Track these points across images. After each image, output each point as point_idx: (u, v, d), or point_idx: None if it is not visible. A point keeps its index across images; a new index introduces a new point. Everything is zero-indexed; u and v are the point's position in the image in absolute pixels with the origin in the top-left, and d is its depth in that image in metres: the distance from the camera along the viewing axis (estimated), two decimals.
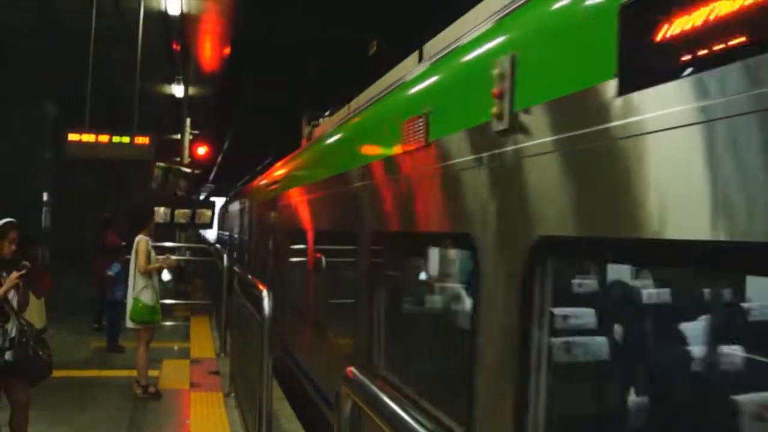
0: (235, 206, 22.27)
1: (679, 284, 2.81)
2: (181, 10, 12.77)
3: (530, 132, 2.83)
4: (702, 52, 1.96)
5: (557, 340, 2.87)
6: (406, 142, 4.27)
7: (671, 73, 2.05)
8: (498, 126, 3.04)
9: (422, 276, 5.01)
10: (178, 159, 17.48)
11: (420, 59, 5.06)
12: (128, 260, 8.33)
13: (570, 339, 2.91)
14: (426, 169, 4.01)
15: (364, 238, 5.33)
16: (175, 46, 14.80)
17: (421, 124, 4.01)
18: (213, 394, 8.16)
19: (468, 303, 3.70)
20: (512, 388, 2.83)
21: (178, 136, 18.78)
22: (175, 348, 10.88)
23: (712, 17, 1.91)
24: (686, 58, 2.01)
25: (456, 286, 4.38)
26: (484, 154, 3.21)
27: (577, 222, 2.56)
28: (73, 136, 12.48)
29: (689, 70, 1.99)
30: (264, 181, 13.36)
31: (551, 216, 2.68)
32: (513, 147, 2.95)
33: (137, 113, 13.14)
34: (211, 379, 8.85)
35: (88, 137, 12.48)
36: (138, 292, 7.95)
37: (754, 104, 1.77)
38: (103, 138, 12.53)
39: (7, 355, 5.17)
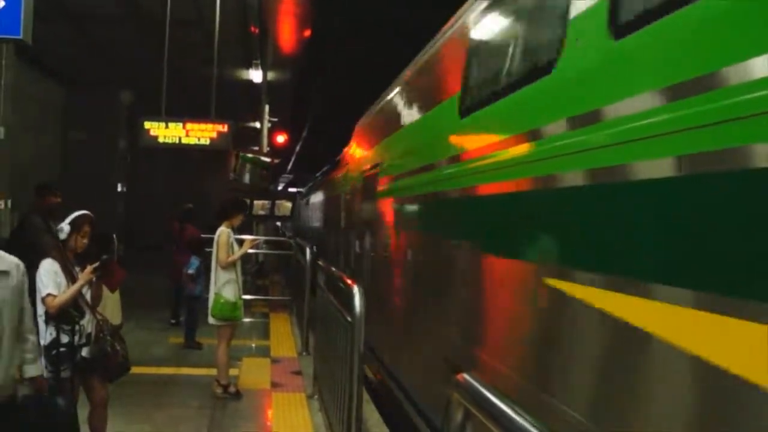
0: (318, 195, 22.05)
1: None
2: None
3: None
4: None
5: None
6: None
7: None
8: None
9: None
10: (256, 148, 17.60)
11: None
12: (207, 254, 8.35)
13: None
14: None
15: None
16: (253, 29, 14.86)
17: None
18: (295, 395, 8.13)
19: None
20: None
21: (256, 124, 18.87)
22: (254, 346, 10.94)
23: None
24: None
25: None
26: None
27: None
28: (148, 125, 12.66)
29: None
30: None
31: None
32: None
33: (214, 99, 13.23)
34: (293, 379, 8.84)
35: (164, 125, 12.63)
36: (220, 287, 7.95)
37: None
38: (180, 126, 12.64)
39: (84, 351, 5.19)
